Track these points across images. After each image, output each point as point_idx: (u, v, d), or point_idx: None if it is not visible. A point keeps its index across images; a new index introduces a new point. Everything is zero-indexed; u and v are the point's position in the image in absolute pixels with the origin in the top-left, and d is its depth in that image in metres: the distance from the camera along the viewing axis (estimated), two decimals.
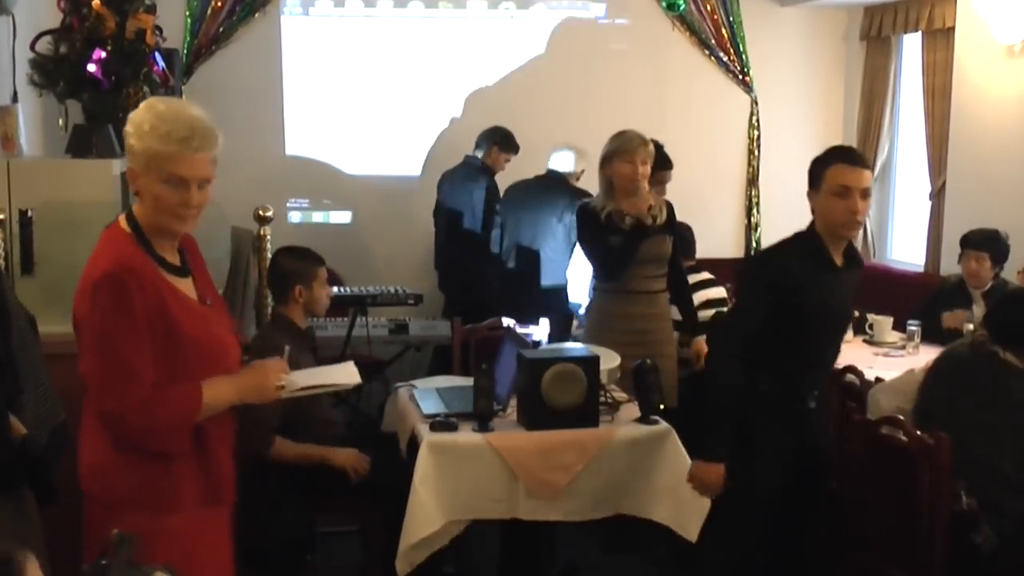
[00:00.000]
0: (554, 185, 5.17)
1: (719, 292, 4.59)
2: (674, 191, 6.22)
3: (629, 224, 3.93)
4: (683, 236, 4.63)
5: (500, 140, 5.51)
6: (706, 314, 4.38)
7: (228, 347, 2.24)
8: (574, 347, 3.78)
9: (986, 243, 4.53)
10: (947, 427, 2.81)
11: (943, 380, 3.05)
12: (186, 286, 2.20)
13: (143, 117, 2.10)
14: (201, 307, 2.21)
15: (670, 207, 4.15)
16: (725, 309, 4.59)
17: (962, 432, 2.82)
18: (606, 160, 4.04)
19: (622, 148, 4.00)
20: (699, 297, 4.39)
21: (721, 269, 5.01)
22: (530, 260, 5.10)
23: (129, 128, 2.11)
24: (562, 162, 5.22)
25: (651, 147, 4.03)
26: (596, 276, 4.09)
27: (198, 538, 2.18)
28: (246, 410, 2.50)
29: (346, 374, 2.56)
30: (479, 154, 5.52)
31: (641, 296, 3.99)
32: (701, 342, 4.20)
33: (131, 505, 2.09)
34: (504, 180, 5.46)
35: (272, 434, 3.26)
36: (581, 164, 5.22)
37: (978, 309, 4.47)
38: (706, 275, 4.60)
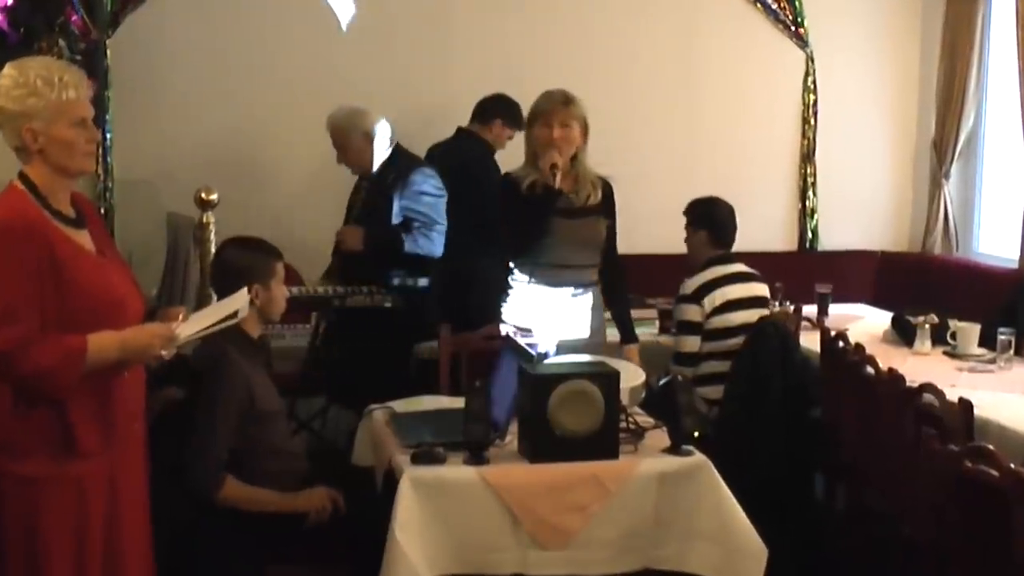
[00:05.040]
0: None
1: (756, 289, 4.62)
2: (713, 169, 6.29)
3: (540, 189, 4.07)
4: (720, 219, 4.68)
5: (505, 113, 5.49)
6: (737, 316, 4.50)
7: (125, 297, 2.76)
8: (588, 360, 3.78)
9: None
10: None
11: None
12: (82, 237, 2.73)
13: (27, 75, 2.62)
14: (98, 258, 2.75)
15: (607, 186, 4.26)
16: (767, 311, 4.62)
17: None
18: (528, 125, 4.22)
19: (537, 110, 4.17)
20: (723, 295, 4.51)
21: (768, 265, 5.03)
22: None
23: (17, 90, 2.60)
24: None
25: (576, 107, 4.14)
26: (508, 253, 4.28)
27: (99, 484, 2.69)
28: (191, 442, 3.12)
29: (236, 300, 2.98)
30: (476, 127, 5.52)
31: (564, 270, 4.16)
32: (633, 351, 4.31)
33: (31, 451, 2.63)
34: (506, 157, 5.47)
35: (221, 472, 3.28)
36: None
37: None
38: (740, 267, 4.66)
